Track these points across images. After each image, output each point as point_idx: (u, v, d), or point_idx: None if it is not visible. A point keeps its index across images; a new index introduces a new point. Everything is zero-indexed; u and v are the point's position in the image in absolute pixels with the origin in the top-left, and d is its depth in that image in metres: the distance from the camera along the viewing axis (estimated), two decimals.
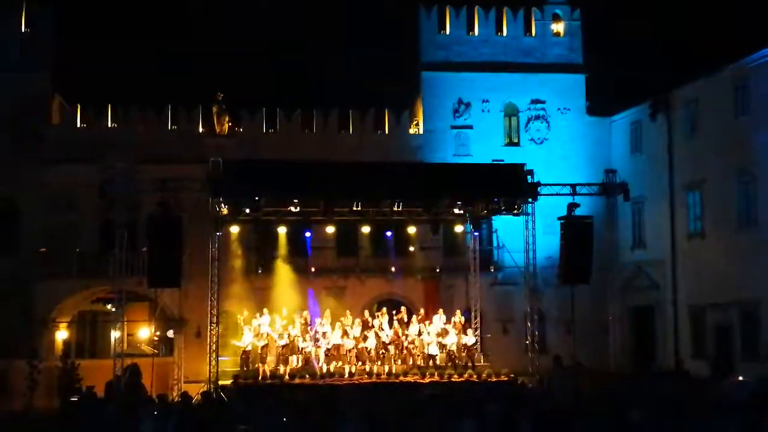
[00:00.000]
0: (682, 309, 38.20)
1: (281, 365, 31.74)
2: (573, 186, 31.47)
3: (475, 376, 31.83)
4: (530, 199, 31.55)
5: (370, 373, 31.71)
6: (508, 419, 16.68)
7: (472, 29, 42.30)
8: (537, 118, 42.07)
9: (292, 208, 31.46)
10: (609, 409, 17.82)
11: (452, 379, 31.44)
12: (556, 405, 19.12)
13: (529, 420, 16.29)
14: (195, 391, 28.09)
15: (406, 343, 32.63)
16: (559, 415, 16.89)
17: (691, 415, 16.46)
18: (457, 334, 32.99)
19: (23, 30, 39.94)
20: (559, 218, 31.65)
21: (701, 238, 37.30)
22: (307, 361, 31.93)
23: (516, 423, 16.35)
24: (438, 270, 40.18)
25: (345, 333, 32.24)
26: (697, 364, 35.00)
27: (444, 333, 32.90)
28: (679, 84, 38.46)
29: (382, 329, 32.77)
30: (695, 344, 37.40)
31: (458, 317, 33.83)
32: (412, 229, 35.64)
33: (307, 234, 35.20)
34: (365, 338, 32.31)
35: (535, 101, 41.99)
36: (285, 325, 32.74)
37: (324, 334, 32.21)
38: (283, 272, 38.06)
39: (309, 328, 32.66)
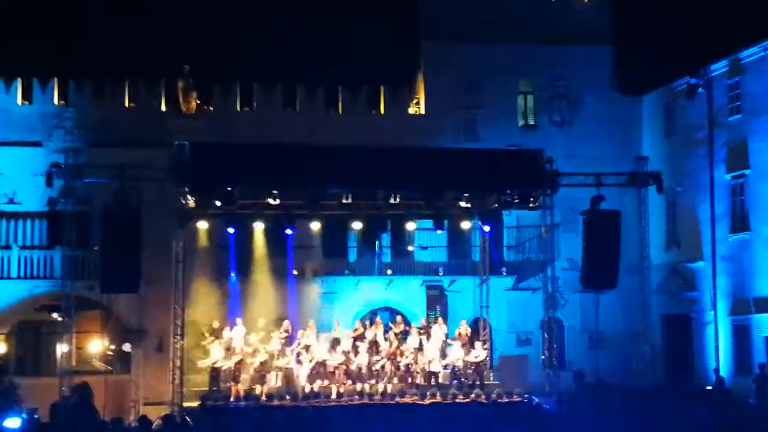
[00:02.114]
0: (723, 317, 38.12)
1: (257, 384, 31.61)
2: (598, 175, 31.39)
3: (483, 397, 31.72)
4: (548, 191, 31.62)
5: (361, 394, 31.70)
6: None
7: None
8: (557, 96, 41.96)
9: (271, 201, 31.31)
10: None
11: (457, 400, 31.35)
12: (577, 429, 18.92)
13: None
14: (156, 414, 27.86)
15: (403, 359, 32.42)
16: None
17: None
18: (462, 348, 32.87)
19: None
20: (582, 213, 31.63)
21: (747, 236, 37.12)
22: (287, 379, 31.73)
23: None
24: (441, 273, 40.00)
25: (332, 347, 32.04)
26: (741, 381, 34.95)
27: (447, 346, 32.83)
28: (722, 56, 38.32)
29: (376, 342, 32.58)
30: (739, 358, 37.31)
31: (464, 328, 33.81)
32: (411, 226, 35.48)
33: (288, 231, 34.94)
34: (356, 353, 32.13)
35: (554, 77, 41.84)
36: (262, 337, 32.54)
37: (307, 348, 32.02)
38: (260, 276, 37.86)
39: (290, 341, 32.53)
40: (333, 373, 31.91)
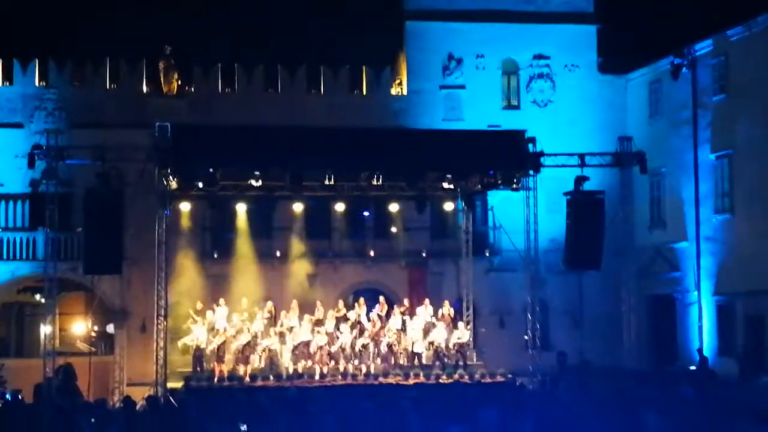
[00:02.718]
0: (708, 298, 38.48)
1: (241, 365, 31.89)
2: (582, 156, 31.53)
3: (466, 377, 32.08)
4: (531, 172, 31.55)
5: (344, 374, 31.98)
6: (505, 426, 16.84)
7: None
8: (540, 76, 42.22)
9: (254, 182, 31.49)
10: (621, 413, 18.02)
11: (440, 381, 31.71)
12: (560, 409, 19.31)
13: (529, 426, 16.46)
14: (140, 395, 28.09)
15: (386, 340, 32.81)
16: (564, 421, 17.07)
17: (717, 421, 16.65)
18: (446, 329, 33.18)
19: None
20: (565, 194, 31.75)
21: (730, 216, 37.51)
22: (271, 360, 32.04)
23: (514, 430, 16.52)
24: (424, 254, 40.42)
25: (315, 328, 32.38)
26: (725, 362, 35.31)
27: (431, 327, 33.14)
28: (706, 36, 38.53)
29: (359, 323, 32.91)
30: (723, 339, 37.67)
31: (447, 309, 34.06)
32: (393, 207, 35.67)
33: (272, 213, 35.27)
34: (339, 333, 32.47)
35: (538, 56, 42.09)
36: (245, 318, 32.82)
37: (291, 329, 32.32)
38: (243, 257, 38.12)
39: (274, 321, 32.82)
40: (316, 353, 32.14)
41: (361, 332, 32.82)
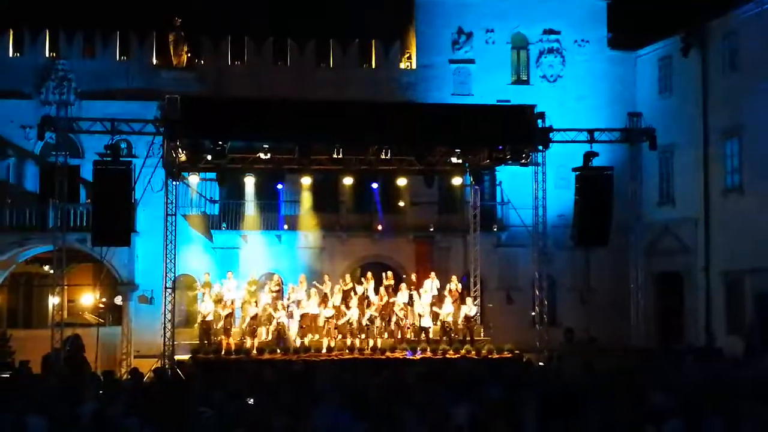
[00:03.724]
0: (716, 276, 38.45)
1: (248, 338, 31.97)
2: (591, 131, 31.45)
3: (473, 352, 32.13)
4: (540, 147, 31.47)
5: (351, 348, 32.08)
6: (511, 402, 16.83)
7: None
8: (550, 51, 42.03)
9: (262, 155, 31.48)
10: (627, 390, 17.98)
11: (447, 356, 31.73)
12: (566, 386, 19.27)
13: (534, 403, 16.43)
14: (147, 367, 28.24)
15: (394, 315, 32.83)
16: (570, 398, 17.04)
17: (724, 399, 16.61)
18: (453, 304, 33.22)
19: None
20: (574, 169, 31.67)
21: (739, 193, 37.45)
22: (278, 333, 32.11)
23: (519, 406, 16.50)
24: (432, 229, 40.36)
25: (323, 301, 32.45)
26: (733, 341, 35.25)
27: (437, 302, 33.17)
28: (717, 13, 38.35)
29: (367, 297, 32.94)
30: (731, 317, 37.67)
31: (455, 284, 34.09)
32: (402, 181, 35.65)
33: (279, 186, 35.28)
34: (347, 307, 32.51)
35: (548, 31, 41.89)
36: (253, 291, 32.88)
37: (298, 302, 32.38)
38: (251, 230, 38.14)
39: (281, 295, 32.91)
40: (323, 327, 32.26)
41: (369, 306, 32.87)
